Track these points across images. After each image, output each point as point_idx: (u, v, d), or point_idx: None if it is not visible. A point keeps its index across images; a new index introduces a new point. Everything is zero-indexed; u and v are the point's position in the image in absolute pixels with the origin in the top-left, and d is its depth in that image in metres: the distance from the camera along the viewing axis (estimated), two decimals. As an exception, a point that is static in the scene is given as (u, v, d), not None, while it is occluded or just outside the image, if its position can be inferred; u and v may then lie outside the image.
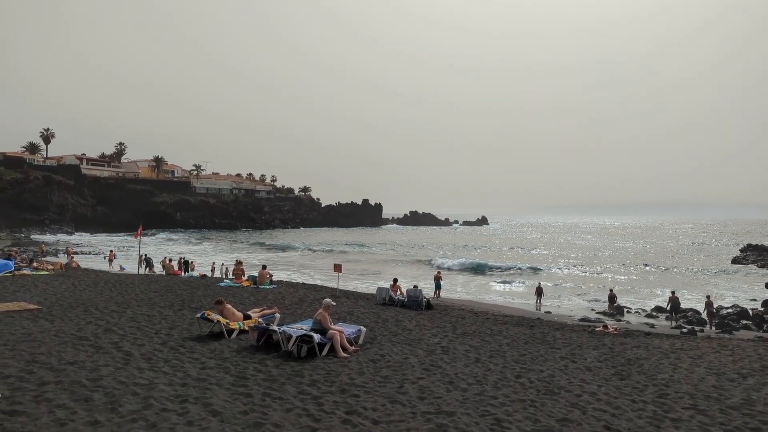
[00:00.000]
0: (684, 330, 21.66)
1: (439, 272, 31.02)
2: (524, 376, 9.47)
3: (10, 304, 14.13)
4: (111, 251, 41.38)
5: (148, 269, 34.10)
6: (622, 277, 46.39)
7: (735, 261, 60.94)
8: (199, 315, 11.82)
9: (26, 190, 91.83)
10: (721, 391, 8.68)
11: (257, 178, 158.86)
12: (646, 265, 58.91)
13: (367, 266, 53.22)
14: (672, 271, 53.28)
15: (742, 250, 67.51)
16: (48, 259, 35.91)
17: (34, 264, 25.89)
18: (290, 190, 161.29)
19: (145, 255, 36.16)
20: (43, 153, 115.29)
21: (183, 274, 32.36)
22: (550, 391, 8.52)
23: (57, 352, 9.36)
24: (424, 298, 20.28)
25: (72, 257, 32.75)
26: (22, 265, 24.78)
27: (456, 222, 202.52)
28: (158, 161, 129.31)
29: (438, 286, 29.30)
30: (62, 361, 8.86)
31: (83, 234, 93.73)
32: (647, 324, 23.43)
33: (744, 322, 24.59)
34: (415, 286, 21.68)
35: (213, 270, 35.18)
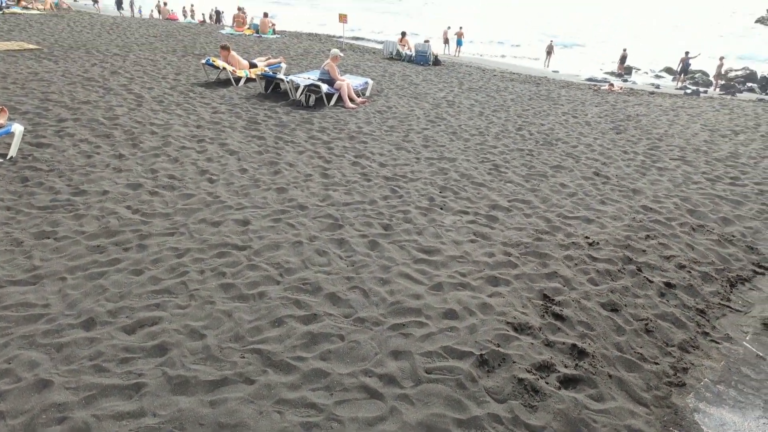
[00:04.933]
0: (688, 90, 21.58)
1: (461, 29, 29.58)
2: (525, 129, 9.78)
3: (8, 44, 13.80)
4: None
5: (120, 10, 33.61)
6: (636, 38, 44.22)
7: (759, 21, 57.24)
8: (204, 61, 11.62)
9: None
10: (711, 146, 9.07)
11: None
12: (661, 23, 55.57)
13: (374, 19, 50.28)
14: (687, 31, 50.52)
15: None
16: None
17: (23, 2, 24.46)
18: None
19: None
20: None
21: (182, 19, 30.89)
22: (548, 143, 8.91)
23: (68, 92, 9.50)
24: (433, 54, 19.68)
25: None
26: (10, 2, 23.46)
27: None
28: None
29: (459, 43, 28.65)
30: (75, 100, 9.05)
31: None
32: (653, 84, 23.24)
33: (749, 84, 24.35)
34: (426, 41, 20.86)
35: (212, 17, 33.41)
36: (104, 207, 5.33)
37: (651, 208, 6.10)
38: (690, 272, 4.77)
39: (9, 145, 6.55)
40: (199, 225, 5.07)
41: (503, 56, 31.54)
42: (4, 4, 21.86)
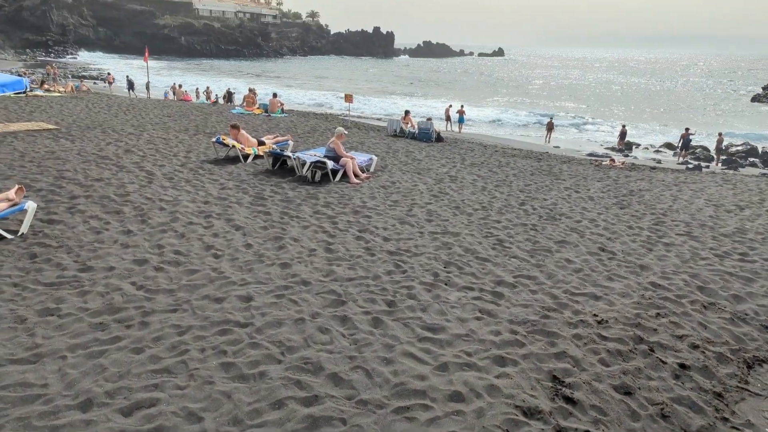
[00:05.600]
0: (690, 165, 21.91)
1: (462, 107, 30.78)
2: (528, 204, 9.88)
3: (28, 124, 14.39)
4: (109, 74, 42.43)
5: (131, 91, 36.07)
6: (635, 115, 45.61)
7: (755, 99, 58.97)
8: (214, 139, 12.03)
9: (24, 8, 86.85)
10: (716, 221, 9.08)
11: (262, 0, 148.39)
12: (658, 101, 57.46)
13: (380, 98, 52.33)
14: (686, 109, 52.14)
15: (764, 88, 64.52)
16: (58, 80, 36.35)
17: (45, 86, 25.75)
18: (297, 15, 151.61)
19: (127, 76, 38.81)
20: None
21: (195, 99, 32.26)
22: (552, 217, 8.96)
23: (82, 170, 9.77)
24: (435, 131, 20.29)
25: (82, 81, 32.80)
26: (33, 86, 24.72)
27: (471, 53, 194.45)
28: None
29: (461, 121, 29.68)
30: (88, 177, 9.29)
31: (90, 53, 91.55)
32: (654, 159, 23.65)
33: (751, 159, 24.72)
34: (429, 119, 21.56)
35: (225, 97, 34.87)
36: (109, 283, 5.33)
37: (660, 285, 6.02)
38: (704, 353, 4.63)
39: (21, 221, 6.67)
40: (202, 301, 5.04)
41: (504, 132, 32.46)
42: (28, 88, 23.01)
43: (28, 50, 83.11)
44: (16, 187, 6.87)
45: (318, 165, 10.56)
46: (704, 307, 5.56)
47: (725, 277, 6.38)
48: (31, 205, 6.69)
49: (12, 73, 33.57)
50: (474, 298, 5.44)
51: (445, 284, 5.78)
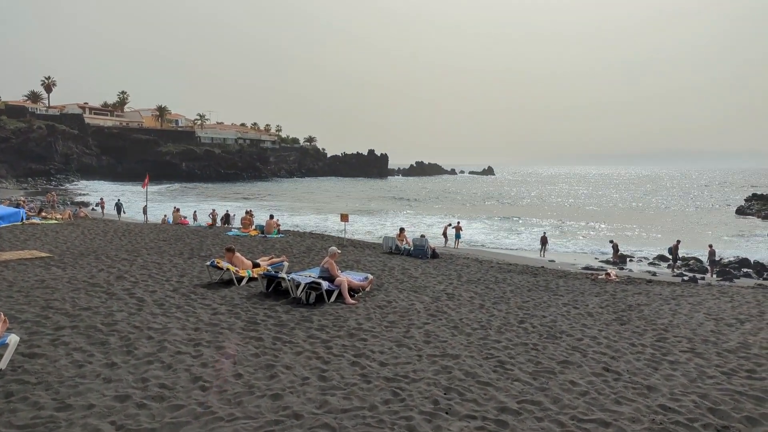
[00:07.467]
0: (685, 278, 21.93)
1: (459, 223, 31.66)
2: (527, 322, 9.68)
3: (21, 252, 14.41)
4: (102, 199, 44.41)
5: (119, 214, 37.77)
6: (626, 229, 46.58)
7: (739, 211, 60.66)
8: (209, 263, 12.02)
9: (30, 139, 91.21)
10: (718, 336, 8.86)
11: (262, 128, 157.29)
12: (647, 214, 58.99)
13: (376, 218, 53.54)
14: (674, 222, 53.42)
15: (747, 200, 66.65)
16: (56, 207, 37.33)
17: (43, 213, 26.20)
18: (295, 140, 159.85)
19: (118, 200, 40.69)
20: (46, 102, 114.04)
21: (192, 223, 32.83)
22: (552, 336, 8.74)
23: (71, 298, 9.62)
24: (430, 247, 20.48)
25: (80, 208, 33.65)
26: (30, 214, 25.14)
27: (462, 172, 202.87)
28: (161, 110, 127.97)
29: (458, 236, 30.44)
30: (76, 306, 9.12)
31: (90, 181, 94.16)
32: (649, 272, 23.71)
33: (745, 270, 24.85)
34: (422, 236, 21.86)
35: (223, 219, 35.50)
36: (87, 423, 4.99)
37: (669, 408, 5.71)
38: (728, 485, 4.27)
39: (1, 356, 6.40)
40: (185, 442, 4.69)
41: (498, 247, 32.85)
42: (24, 217, 23.39)
43: (30, 179, 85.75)
44: (2, 318, 6.69)
45: (312, 286, 10.48)
46: (718, 431, 5.23)
47: (735, 397, 6.08)
48: (13, 339, 6.46)
49: (11, 201, 34.33)
50: (477, 429, 5.12)
51: (446, 413, 5.46)
